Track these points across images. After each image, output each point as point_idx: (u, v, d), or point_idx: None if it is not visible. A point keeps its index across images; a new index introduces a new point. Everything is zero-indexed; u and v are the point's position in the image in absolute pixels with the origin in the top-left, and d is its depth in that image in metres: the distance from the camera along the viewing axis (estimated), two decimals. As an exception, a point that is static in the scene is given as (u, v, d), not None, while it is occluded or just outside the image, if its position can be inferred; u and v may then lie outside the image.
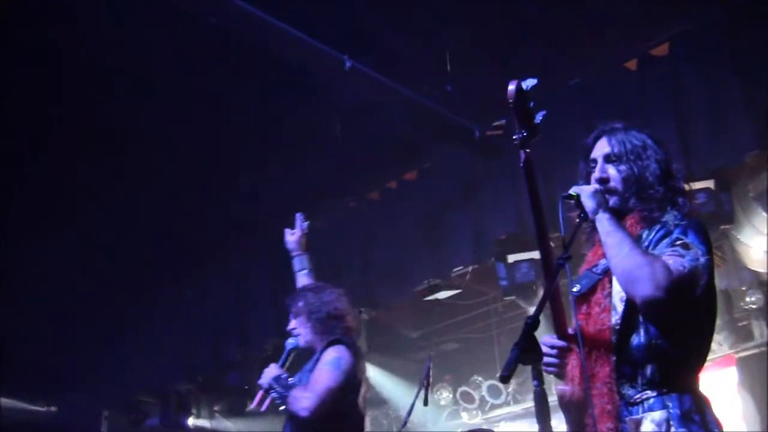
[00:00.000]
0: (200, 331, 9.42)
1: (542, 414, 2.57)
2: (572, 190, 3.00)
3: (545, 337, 2.89)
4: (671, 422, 2.75)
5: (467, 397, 9.67)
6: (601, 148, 3.13)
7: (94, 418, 10.38)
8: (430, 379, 5.23)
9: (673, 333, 2.80)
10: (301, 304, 4.66)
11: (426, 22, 6.88)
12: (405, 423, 5.24)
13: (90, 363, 10.06)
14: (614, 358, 2.84)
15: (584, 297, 2.99)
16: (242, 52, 6.52)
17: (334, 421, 4.26)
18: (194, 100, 7.19)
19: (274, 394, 4.33)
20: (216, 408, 10.54)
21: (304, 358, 4.62)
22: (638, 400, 2.81)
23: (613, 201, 3.03)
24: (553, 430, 2.60)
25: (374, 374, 9.72)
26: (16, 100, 6.88)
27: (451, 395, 9.77)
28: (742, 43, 6.17)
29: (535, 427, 2.60)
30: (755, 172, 6.61)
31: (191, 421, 10.33)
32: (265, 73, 6.90)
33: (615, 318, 2.88)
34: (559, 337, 2.90)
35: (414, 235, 7.94)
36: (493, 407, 9.58)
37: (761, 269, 7.30)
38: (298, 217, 5.14)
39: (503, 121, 7.19)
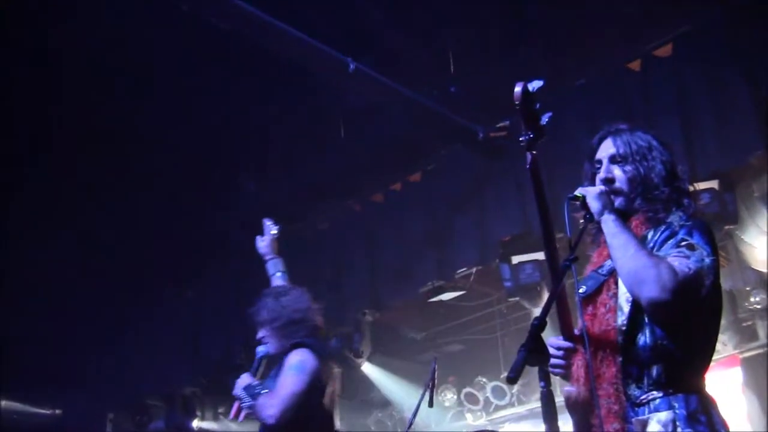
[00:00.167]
0: (205, 333, 9.42)
1: (549, 415, 2.58)
2: (578, 192, 3.00)
3: (551, 338, 2.90)
4: (677, 423, 2.76)
5: (471, 399, 9.65)
6: (607, 148, 3.13)
7: (99, 421, 10.38)
8: (436, 381, 5.22)
9: (679, 334, 2.81)
10: (262, 313, 4.66)
11: (429, 24, 6.89)
12: (410, 424, 5.23)
13: (95, 365, 10.07)
14: (620, 359, 2.85)
15: (590, 298, 2.99)
16: (244, 53, 6.53)
17: (301, 424, 4.29)
18: (196, 101, 7.21)
19: (244, 404, 4.37)
20: (221, 410, 10.52)
21: (274, 364, 4.63)
22: (644, 401, 2.82)
23: (618, 202, 3.03)
24: (560, 430, 2.60)
25: (378, 375, 9.73)
26: (17, 100, 6.89)
27: (455, 396, 9.76)
28: (746, 44, 6.16)
29: (540, 427, 2.62)
30: (759, 173, 6.61)
31: (196, 424, 10.32)
32: (269, 74, 6.92)
33: (621, 319, 2.89)
34: (566, 338, 2.91)
35: (418, 236, 7.94)
36: (498, 408, 9.56)
37: (765, 269, 7.29)
38: (266, 222, 5.16)
39: (507, 123, 7.21)
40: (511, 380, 2.52)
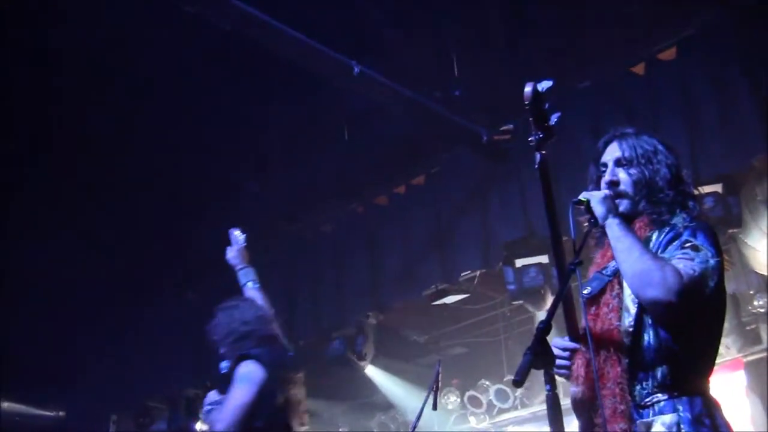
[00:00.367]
0: (207, 335, 9.41)
1: (555, 418, 2.58)
2: (582, 196, 3.02)
3: (556, 339, 2.91)
4: (682, 426, 2.76)
5: (475, 402, 9.65)
6: (612, 152, 3.14)
7: (102, 423, 10.39)
8: (440, 384, 5.23)
9: (683, 335, 2.81)
10: (216, 330, 4.72)
11: (433, 26, 6.90)
12: (414, 427, 5.23)
13: (98, 367, 10.07)
14: (626, 360, 2.85)
15: (594, 299, 3.00)
16: (247, 54, 6.54)
17: None
18: (198, 102, 7.22)
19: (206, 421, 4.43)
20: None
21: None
22: (648, 403, 2.82)
23: (623, 205, 3.04)
24: (565, 432, 2.61)
25: (381, 378, 9.73)
26: (19, 100, 6.89)
27: (458, 399, 9.76)
28: (750, 47, 6.16)
29: (543, 430, 2.62)
30: (763, 176, 6.60)
31: (199, 426, 10.31)
32: (273, 76, 6.93)
33: (628, 320, 2.89)
34: (571, 340, 2.92)
35: (422, 239, 7.95)
36: (501, 411, 9.55)
37: (768, 272, 7.29)
38: (232, 232, 5.18)
39: (511, 126, 7.21)
40: (517, 383, 2.53)
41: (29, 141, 7.42)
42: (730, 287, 7.49)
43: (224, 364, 4.67)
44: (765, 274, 7.35)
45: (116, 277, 9.10)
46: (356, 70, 6.29)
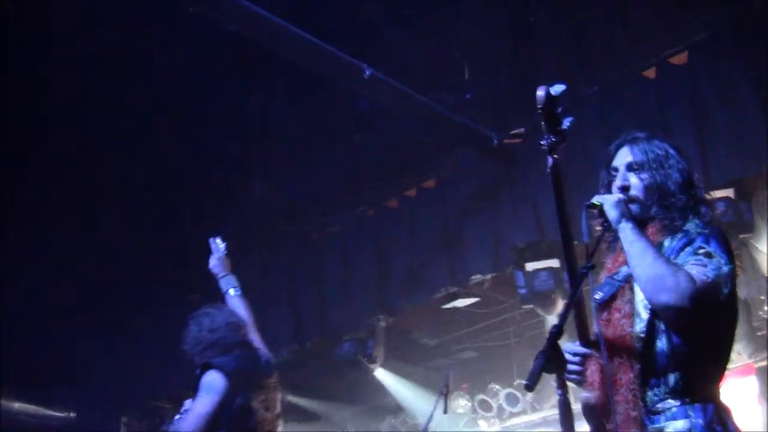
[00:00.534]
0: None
1: (566, 423, 2.58)
2: (595, 200, 3.01)
3: (567, 344, 2.90)
4: (693, 432, 2.75)
5: (485, 406, 9.65)
6: (624, 156, 3.14)
7: (113, 424, 10.41)
8: (450, 388, 5.23)
9: (696, 341, 2.81)
10: (187, 341, 4.77)
11: (444, 30, 6.90)
12: (424, 431, 5.24)
13: (108, 368, 10.09)
14: (638, 366, 2.85)
15: (606, 304, 3.00)
16: (258, 57, 6.56)
17: None
18: (208, 104, 7.23)
19: None
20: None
21: None
22: (660, 409, 2.82)
23: (634, 209, 3.03)
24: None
25: (391, 381, 9.73)
26: (22, 99, 6.88)
27: (469, 403, 9.75)
28: (761, 51, 6.15)
29: (554, 434, 2.62)
30: (775, 181, 6.57)
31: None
32: (283, 79, 6.94)
33: (640, 326, 2.89)
34: (583, 345, 2.91)
35: (432, 243, 7.95)
36: (511, 415, 9.55)
37: (780, 278, 7.26)
38: (212, 241, 5.20)
39: (522, 129, 7.20)
40: (529, 388, 2.53)
41: (29, 141, 7.39)
42: (741, 293, 7.49)
43: (198, 373, 4.71)
44: (777, 279, 7.33)
45: (127, 279, 9.12)
46: (367, 73, 6.29)
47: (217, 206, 8.59)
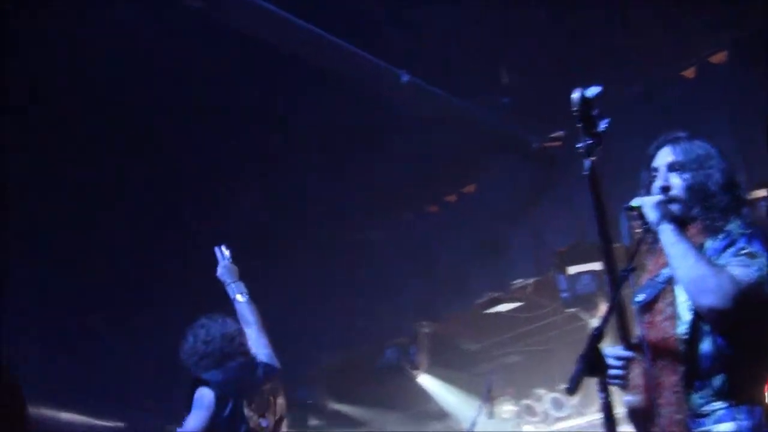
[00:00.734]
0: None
1: (610, 426, 2.56)
2: (634, 202, 3.00)
3: (609, 348, 2.88)
4: (740, 435, 2.72)
5: (530, 410, 9.60)
6: (665, 156, 3.11)
7: (161, 434, 10.50)
8: (492, 394, 5.22)
9: (740, 343, 2.78)
10: (184, 352, 4.76)
11: (483, 35, 6.87)
12: (470, 436, 5.24)
13: (158, 380, 10.18)
14: (682, 368, 2.82)
15: (647, 306, 2.97)
16: (299, 67, 6.56)
17: None
18: (248, 111, 7.23)
19: None
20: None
21: None
22: (706, 412, 2.79)
23: (675, 209, 3.01)
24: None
25: (434, 387, 9.72)
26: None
27: (514, 408, 9.71)
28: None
29: (600, 439, 2.59)
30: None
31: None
32: (323, 87, 6.94)
33: (682, 328, 2.86)
34: (625, 348, 2.89)
35: (473, 248, 7.94)
36: (557, 420, 9.48)
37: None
38: (218, 250, 5.22)
39: (561, 133, 7.17)
40: (570, 391, 2.52)
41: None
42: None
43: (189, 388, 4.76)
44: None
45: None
46: (404, 79, 6.29)
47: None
